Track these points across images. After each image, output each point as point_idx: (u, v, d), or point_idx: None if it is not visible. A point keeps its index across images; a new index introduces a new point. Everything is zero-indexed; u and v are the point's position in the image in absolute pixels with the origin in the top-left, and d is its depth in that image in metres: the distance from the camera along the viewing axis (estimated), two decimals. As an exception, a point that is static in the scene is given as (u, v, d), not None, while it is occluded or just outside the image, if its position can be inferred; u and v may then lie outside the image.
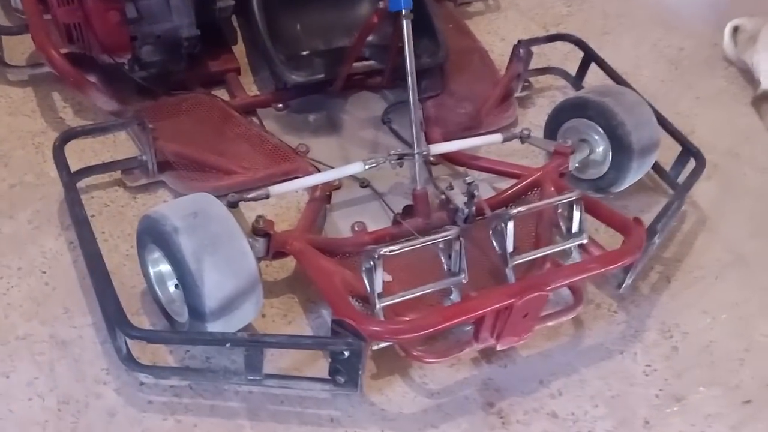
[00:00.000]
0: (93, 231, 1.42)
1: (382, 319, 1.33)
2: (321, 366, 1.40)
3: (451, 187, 1.58)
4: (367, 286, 1.33)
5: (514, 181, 1.73)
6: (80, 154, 1.77)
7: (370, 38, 1.87)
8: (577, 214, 1.48)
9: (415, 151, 1.61)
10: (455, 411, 1.39)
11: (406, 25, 1.62)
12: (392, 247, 1.32)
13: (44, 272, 1.52)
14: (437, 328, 1.29)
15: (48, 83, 1.94)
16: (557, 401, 1.44)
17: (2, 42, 1.98)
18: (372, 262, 1.30)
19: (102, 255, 1.38)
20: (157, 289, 1.43)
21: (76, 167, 1.65)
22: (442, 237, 1.37)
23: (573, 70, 2.17)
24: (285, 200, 1.77)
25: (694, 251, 1.77)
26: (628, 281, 1.58)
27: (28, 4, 1.83)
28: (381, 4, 1.68)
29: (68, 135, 1.61)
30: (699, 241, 1.80)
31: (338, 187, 1.77)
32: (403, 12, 1.62)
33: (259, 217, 1.43)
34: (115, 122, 1.76)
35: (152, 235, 1.34)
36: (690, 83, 2.30)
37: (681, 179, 1.81)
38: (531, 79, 2.14)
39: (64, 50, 1.81)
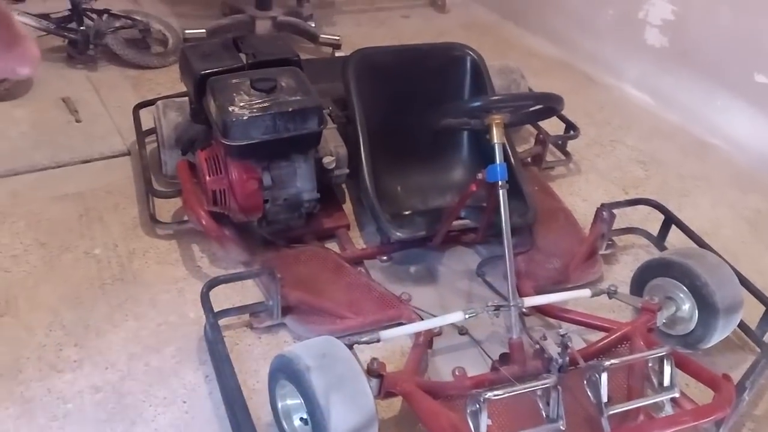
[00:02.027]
0: (233, 368, 1.64)
1: (486, 460, 1.44)
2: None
3: (545, 338, 1.71)
4: (472, 428, 1.46)
5: (603, 333, 1.86)
6: (214, 297, 2.04)
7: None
8: (668, 369, 1.59)
9: (511, 304, 1.79)
10: None
11: (502, 195, 1.84)
12: (496, 392, 1.46)
13: (185, 402, 1.74)
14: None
15: (188, 237, 2.27)
16: None
17: (155, 203, 2.35)
18: (477, 405, 1.45)
19: (242, 390, 1.58)
20: (284, 422, 1.61)
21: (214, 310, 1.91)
22: (541, 384, 1.50)
23: (654, 228, 2.34)
24: (390, 343, 1.95)
25: (784, 408, 1.81)
26: (721, 436, 1.64)
27: (183, 174, 2.22)
28: (479, 176, 1.92)
29: (213, 283, 1.89)
30: (789, 398, 1.84)
31: (439, 334, 1.95)
32: (500, 183, 1.85)
33: (374, 359, 1.62)
34: (249, 272, 2.04)
35: (286, 372, 1.54)
36: (769, 242, 2.42)
37: (767, 338, 1.89)
38: (614, 238, 2.32)
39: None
